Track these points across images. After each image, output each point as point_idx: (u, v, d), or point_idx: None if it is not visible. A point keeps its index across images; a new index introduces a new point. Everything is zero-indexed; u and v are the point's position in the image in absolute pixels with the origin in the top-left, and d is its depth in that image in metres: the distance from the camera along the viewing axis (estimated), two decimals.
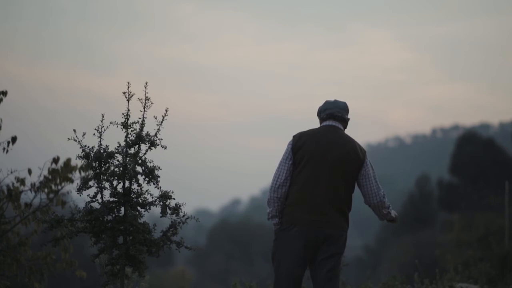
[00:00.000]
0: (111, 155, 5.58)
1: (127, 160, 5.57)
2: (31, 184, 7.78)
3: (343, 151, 5.35)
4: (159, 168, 5.60)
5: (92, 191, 5.58)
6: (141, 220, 5.64)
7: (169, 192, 5.60)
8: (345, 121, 5.52)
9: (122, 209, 5.61)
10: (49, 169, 7.82)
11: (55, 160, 7.83)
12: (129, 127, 5.60)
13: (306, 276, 5.70)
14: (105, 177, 5.58)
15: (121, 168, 5.57)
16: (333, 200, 5.29)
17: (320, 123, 5.55)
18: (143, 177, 5.58)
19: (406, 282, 9.68)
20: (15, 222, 7.78)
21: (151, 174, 5.58)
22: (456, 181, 35.89)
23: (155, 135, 5.62)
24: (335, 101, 5.54)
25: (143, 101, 5.59)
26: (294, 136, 5.42)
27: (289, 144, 5.40)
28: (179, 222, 5.65)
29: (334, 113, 5.48)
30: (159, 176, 5.60)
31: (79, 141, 5.55)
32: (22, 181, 7.73)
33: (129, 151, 5.60)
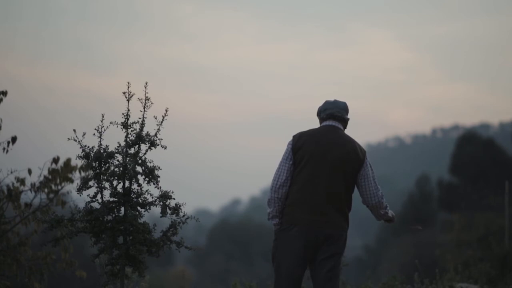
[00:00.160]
0: (111, 155, 5.58)
1: (127, 160, 5.57)
2: (31, 184, 7.78)
3: (343, 151, 5.35)
4: (159, 168, 5.60)
5: (92, 191, 5.58)
6: (141, 220, 5.65)
7: (169, 192, 5.60)
8: (345, 121, 5.52)
9: (122, 209, 5.61)
10: (49, 169, 7.82)
11: (55, 160, 7.83)
12: (129, 127, 5.60)
13: (306, 276, 5.70)
14: (105, 177, 5.58)
15: (121, 168, 5.57)
16: (333, 200, 5.29)
17: (320, 123, 5.55)
18: (143, 177, 5.59)
19: (406, 282, 9.68)
20: (15, 222, 7.78)
21: (151, 174, 5.58)
22: (456, 181, 35.88)
23: (155, 135, 5.62)
24: (335, 101, 5.54)
25: (143, 101, 5.59)
26: (294, 136, 5.42)
27: (289, 144, 5.40)
28: (179, 222, 5.65)
29: (334, 113, 5.48)
30: (159, 176, 5.60)
31: (79, 141, 5.55)
32: (22, 181, 7.73)
33: (129, 151, 5.60)
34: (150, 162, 5.60)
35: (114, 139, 5.61)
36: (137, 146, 5.61)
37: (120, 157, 5.59)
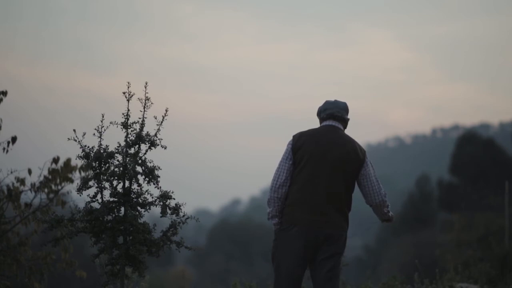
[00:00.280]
0: (111, 155, 5.58)
1: (127, 160, 5.57)
2: (31, 184, 7.78)
3: (343, 151, 5.35)
4: (159, 168, 5.60)
5: (92, 191, 5.58)
6: (141, 220, 5.65)
7: (169, 192, 5.60)
8: (345, 121, 5.52)
9: (122, 209, 5.61)
10: (49, 169, 7.82)
11: (55, 160, 7.83)
12: (129, 127, 5.60)
13: (306, 276, 5.70)
14: (105, 177, 5.58)
15: (121, 168, 5.57)
16: (333, 200, 5.29)
17: (320, 123, 5.55)
18: (143, 177, 5.59)
19: (406, 282, 9.68)
20: (15, 222, 7.78)
21: (151, 174, 5.58)
22: (456, 181, 35.88)
23: (155, 135, 5.62)
24: (335, 101, 5.54)
25: (143, 101, 5.59)
26: (294, 136, 5.42)
27: (289, 144, 5.40)
28: (179, 222, 5.65)
29: (334, 113, 5.48)
30: (159, 176, 5.60)
31: (79, 141, 5.55)
32: (22, 181, 7.73)
33: (129, 151, 5.60)
34: (150, 162, 5.60)
35: (114, 139, 5.62)
36: (137, 146, 5.61)
37: (120, 157, 5.60)
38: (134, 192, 5.61)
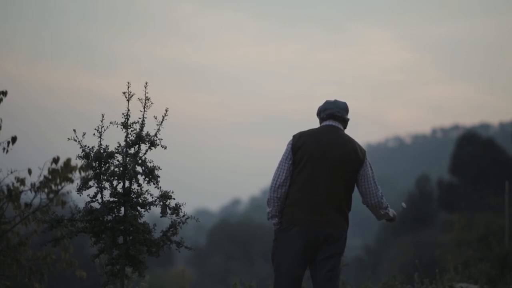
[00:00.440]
0: (111, 155, 5.58)
1: (127, 160, 5.57)
2: (31, 184, 7.78)
3: (343, 151, 5.35)
4: (159, 168, 5.60)
5: (92, 191, 5.58)
6: (141, 220, 5.64)
7: (169, 192, 5.60)
8: (345, 121, 5.52)
9: (122, 209, 5.61)
10: (49, 169, 7.82)
11: (55, 160, 7.83)
12: (129, 127, 5.60)
13: (306, 276, 5.70)
14: (105, 177, 5.58)
15: (121, 168, 5.57)
16: (333, 200, 5.29)
17: (320, 123, 5.55)
18: (143, 177, 5.58)
19: (406, 282, 9.68)
20: (15, 222, 7.78)
21: (151, 174, 5.58)
22: (456, 181, 35.88)
23: (155, 135, 5.61)
24: (335, 101, 5.54)
25: (143, 101, 5.59)
26: (294, 136, 5.42)
27: (288, 144, 5.40)
28: (179, 222, 5.64)
29: (334, 113, 5.48)
30: (159, 176, 5.60)
31: (79, 141, 5.55)
32: (22, 181, 7.73)
33: (129, 151, 5.60)
34: (150, 162, 5.60)
35: (114, 139, 5.62)
36: (137, 146, 5.61)
37: (120, 157, 5.59)
38: (134, 192, 5.60)
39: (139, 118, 5.61)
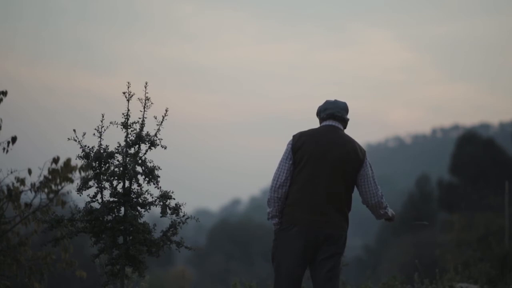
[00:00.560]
0: (111, 155, 5.58)
1: (127, 160, 5.57)
2: (31, 184, 7.78)
3: (343, 151, 5.35)
4: (159, 168, 5.60)
5: (92, 191, 5.58)
6: (141, 220, 5.64)
7: (169, 192, 5.60)
8: (345, 121, 5.52)
9: (122, 209, 5.61)
10: (49, 169, 7.82)
11: (55, 160, 7.83)
12: (129, 127, 5.60)
13: (306, 276, 5.70)
14: (105, 177, 5.58)
15: (121, 168, 5.57)
16: (333, 200, 5.29)
17: (320, 123, 5.55)
18: (143, 177, 5.58)
19: (406, 282, 9.68)
20: (15, 222, 7.78)
21: (151, 174, 5.58)
22: (456, 181, 35.87)
23: (155, 135, 5.61)
24: (335, 101, 5.53)
25: (143, 101, 5.59)
26: (294, 136, 5.42)
27: (288, 144, 5.40)
28: (179, 222, 5.64)
29: (334, 113, 5.48)
30: (159, 176, 5.60)
31: (79, 141, 5.55)
32: (22, 181, 7.73)
33: (129, 151, 5.60)
34: (150, 162, 5.60)
35: (114, 139, 5.62)
36: (137, 146, 5.61)
37: (120, 157, 5.59)
38: (134, 192, 5.60)
39: (139, 118, 5.61)
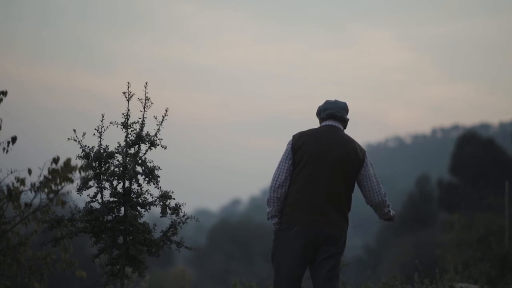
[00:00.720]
0: (111, 155, 5.58)
1: (127, 160, 5.57)
2: (31, 184, 7.78)
3: (343, 151, 5.35)
4: (159, 168, 5.60)
5: (92, 191, 5.58)
6: (141, 220, 5.65)
7: (169, 192, 5.60)
8: (345, 121, 5.52)
9: (122, 209, 5.61)
10: (49, 169, 7.82)
11: (55, 160, 7.83)
12: (129, 127, 5.60)
13: (306, 276, 5.70)
14: (105, 177, 5.58)
15: (121, 168, 5.57)
16: (332, 200, 5.29)
17: (320, 123, 5.55)
18: (143, 177, 5.59)
19: (406, 282, 9.68)
20: (15, 222, 7.78)
21: (151, 174, 5.58)
22: (456, 181, 35.87)
23: (155, 135, 5.62)
24: (335, 101, 5.54)
25: (143, 101, 5.59)
26: (293, 136, 5.42)
27: (288, 143, 5.40)
28: (179, 222, 5.65)
29: (334, 113, 5.48)
30: (159, 176, 5.60)
31: (79, 141, 5.55)
32: (22, 181, 7.73)
33: (129, 151, 5.60)
34: (150, 162, 5.60)
35: (114, 139, 5.62)
36: (137, 146, 5.61)
37: (120, 157, 5.59)
38: (134, 192, 5.61)
39: (139, 118, 5.61)
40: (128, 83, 5.61)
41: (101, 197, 5.59)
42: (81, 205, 5.63)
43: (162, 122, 5.61)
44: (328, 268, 5.29)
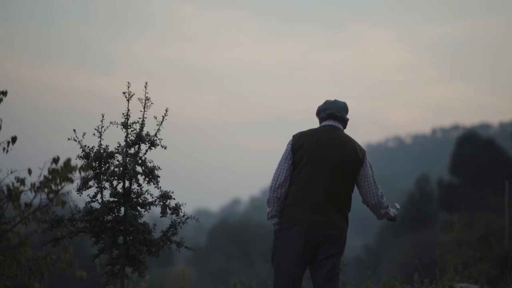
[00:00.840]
0: (111, 155, 5.58)
1: (127, 160, 5.57)
2: (31, 184, 7.78)
3: (343, 151, 5.35)
4: (159, 168, 5.60)
5: (92, 191, 5.58)
6: (141, 220, 5.64)
7: (169, 192, 5.60)
8: (344, 121, 5.52)
9: (122, 209, 5.61)
10: (49, 169, 7.82)
11: (55, 160, 7.83)
12: (129, 127, 5.60)
13: (306, 276, 5.70)
14: (105, 177, 5.58)
15: (121, 168, 5.57)
16: (332, 200, 5.29)
17: (320, 123, 5.55)
18: (143, 177, 5.58)
19: (406, 282, 9.68)
20: (15, 222, 7.78)
21: (151, 174, 5.58)
22: (456, 181, 35.88)
23: (155, 135, 5.61)
24: (335, 101, 5.53)
25: (143, 101, 5.59)
26: (293, 136, 5.42)
27: (288, 143, 5.40)
28: (179, 222, 5.64)
29: (334, 113, 5.48)
30: (159, 176, 5.60)
31: (79, 141, 5.55)
32: (22, 181, 7.73)
33: (129, 151, 5.60)
34: (150, 162, 5.60)
35: (114, 139, 5.62)
36: (137, 146, 5.61)
37: (120, 157, 5.59)
38: (134, 192, 5.60)
39: (139, 118, 5.61)
40: (128, 83, 5.61)
41: (101, 197, 5.59)
42: (81, 205, 5.63)
43: (162, 122, 5.61)
44: (328, 268, 5.29)
